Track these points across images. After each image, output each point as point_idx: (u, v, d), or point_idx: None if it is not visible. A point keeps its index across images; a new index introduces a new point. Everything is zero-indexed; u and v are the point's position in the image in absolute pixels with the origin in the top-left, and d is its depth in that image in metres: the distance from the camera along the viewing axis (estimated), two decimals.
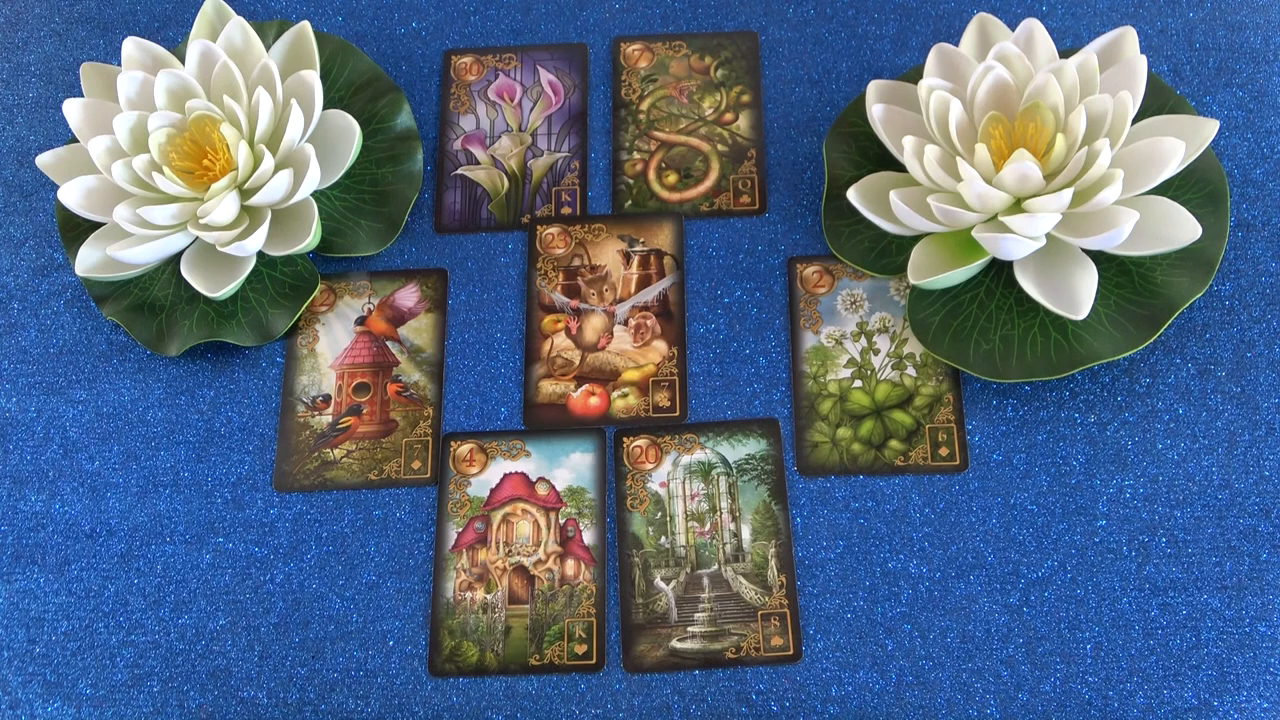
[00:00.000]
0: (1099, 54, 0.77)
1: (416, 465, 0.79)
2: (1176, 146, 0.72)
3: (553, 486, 0.78)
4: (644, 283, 0.83)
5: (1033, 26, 0.78)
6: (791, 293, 0.82)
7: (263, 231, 0.78)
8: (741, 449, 0.78)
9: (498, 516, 0.78)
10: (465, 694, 0.74)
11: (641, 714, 0.73)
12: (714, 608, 0.74)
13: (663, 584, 0.75)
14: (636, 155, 0.87)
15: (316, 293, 0.83)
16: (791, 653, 0.73)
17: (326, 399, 0.82)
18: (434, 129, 0.89)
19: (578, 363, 0.81)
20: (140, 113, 0.80)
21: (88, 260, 0.81)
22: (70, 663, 0.76)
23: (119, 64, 0.85)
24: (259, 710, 0.74)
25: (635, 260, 0.84)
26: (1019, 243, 0.73)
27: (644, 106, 0.89)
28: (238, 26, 0.82)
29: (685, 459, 0.78)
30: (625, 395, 0.80)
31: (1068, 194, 0.73)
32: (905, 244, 0.80)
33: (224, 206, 0.78)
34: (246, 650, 0.76)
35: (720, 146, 0.87)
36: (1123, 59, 0.77)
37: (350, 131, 0.82)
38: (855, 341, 0.80)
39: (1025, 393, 0.78)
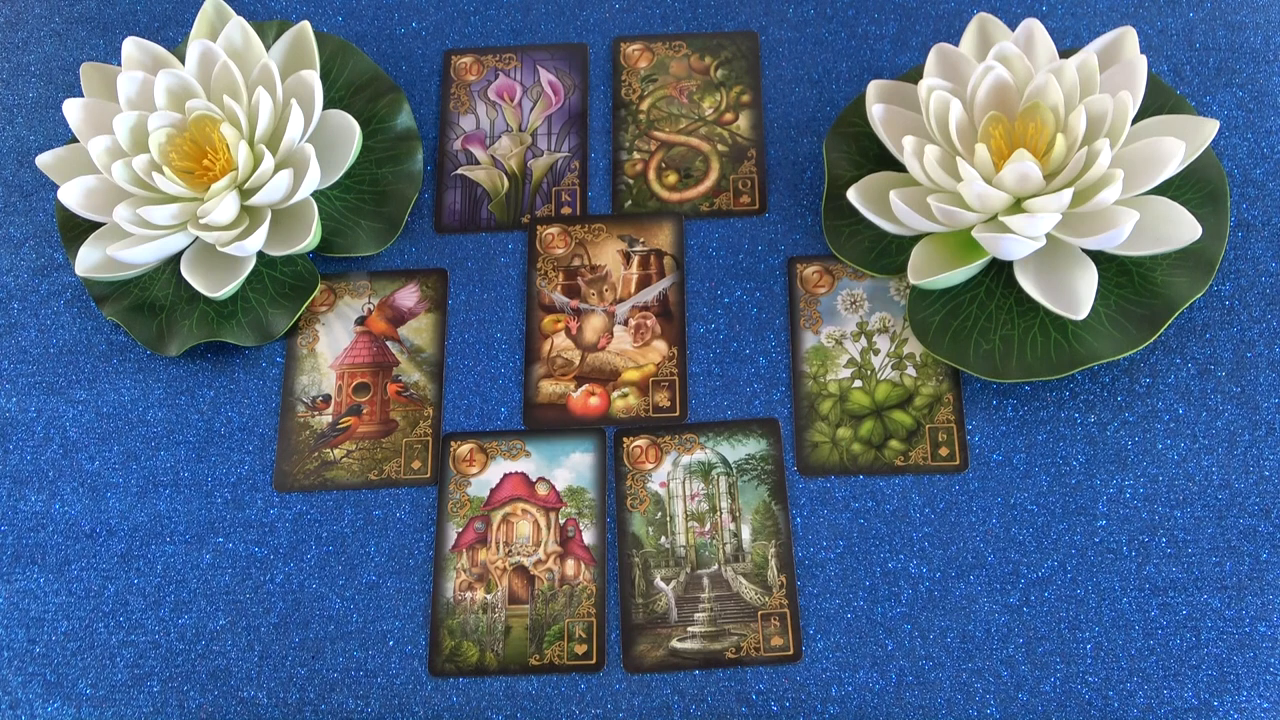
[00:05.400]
0: (1099, 54, 0.77)
1: (416, 465, 0.79)
2: (1176, 146, 0.72)
3: (553, 486, 0.78)
4: (644, 283, 0.83)
5: (1033, 26, 0.78)
6: (791, 293, 0.82)
7: (263, 231, 0.78)
8: (741, 449, 0.78)
9: (498, 516, 0.78)
10: (465, 694, 0.74)
11: (641, 714, 0.73)
12: (714, 608, 0.74)
13: (663, 584, 0.75)
14: (636, 155, 0.87)
15: (316, 293, 0.83)
16: (791, 653, 0.73)
17: (326, 399, 0.82)
18: (434, 129, 0.89)
19: (578, 363, 0.81)
20: (140, 113, 0.80)
21: (88, 260, 0.81)
22: (70, 663, 0.76)
23: (119, 64, 0.85)
24: (259, 710, 0.74)
25: (635, 260, 0.84)
26: (1019, 243, 0.73)
27: (644, 106, 0.89)
28: (238, 26, 0.82)
29: (685, 459, 0.78)
30: (625, 395, 0.80)
31: (1068, 194, 0.73)
32: (905, 244, 0.80)
33: (224, 206, 0.78)
34: (246, 650, 0.76)
35: (720, 146, 0.87)
36: (1123, 59, 0.77)
37: (350, 131, 0.82)
38: (855, 341, 0.80)
39: (1025, 393, 0.78)
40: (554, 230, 0.85)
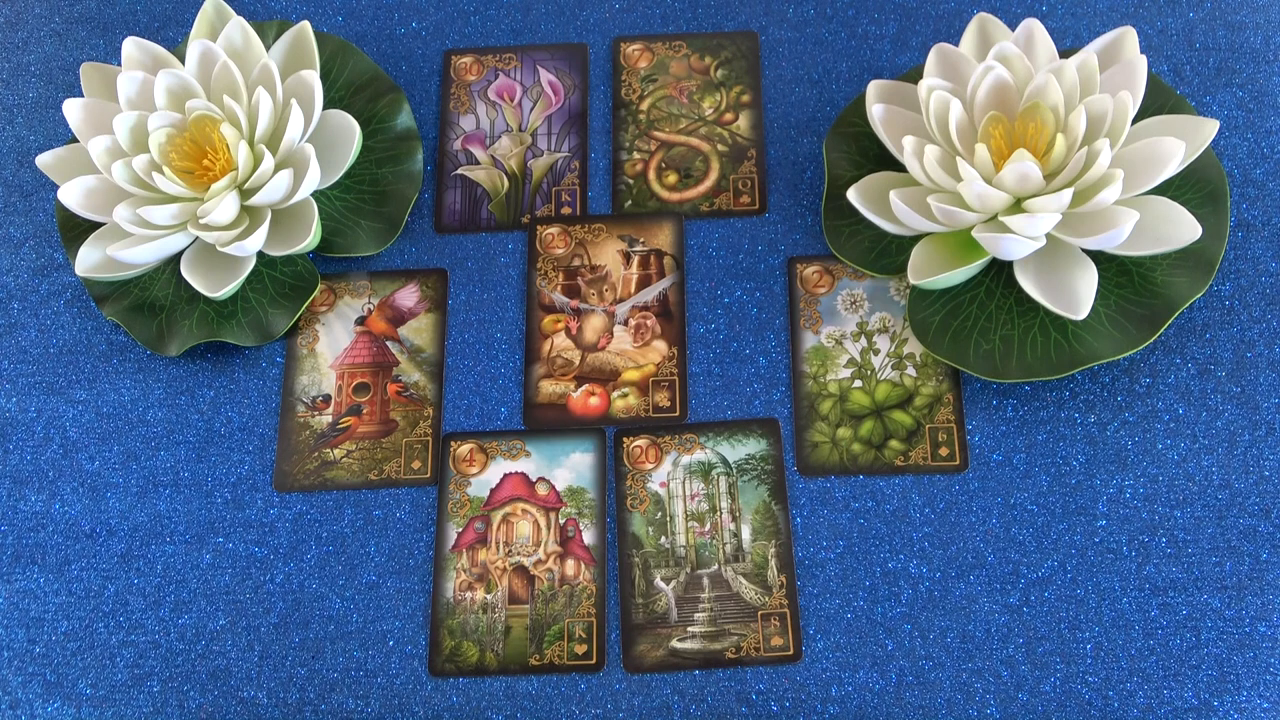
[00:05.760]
0: (1099, 54, 0.77)
1: (416, 465, 0.79)
2: (1176, 146, 0.72)
3: (553, 486, 0.78)
4: (644, 283, 0.83)
5: (1033, 26, 0.78)
6: (791, 293, 0.82)
7: (263, 231, 0.78)
8: (741, 449, 0.78)
9: (498, 516, 0.78)
10: (465, 694, 0.74)
11: (641, 714, 0.73)
12: (714, 608, 0.74)
13: (663, 584, 0.75)
14: (636, 155, 0.87)
15: (316, 293, 0.83)
16: (791, 653, 0.73)
17: (326, 399, 0.82)
18: (434, 129, 0.89)
19: (578, 363, 0.81)
20: (140, 113, 0.80)
21: (88, 260, 0.81)
22: (70, 663, 0.76)
23: (119, 64, 0.85)
24: (259, 710, 0.74)
25: (635, 260, 0.84)
26: (1019, 243, 0.73)
27: (644, 106, 0.89)
28: (238, 26, 0.82)
29: (685, 459, 0.78)
30: (625, 395, 0.80)
31: (1068, 194, 0.73)
32: (905, 244, 0.80)
33: (224, 206, 0.78)
34: (246, 650, 0.76)
35: (720, 146, 0.87)
36: (1123, 59, 0.77)
37: (350, 131, 0.82)
38: (855, 341, 0.80)
39: (1025, 393, 0.78)
40: (554, 230, 0.85)
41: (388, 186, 0.85)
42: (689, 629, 0.74)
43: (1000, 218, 0.75)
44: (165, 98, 0.80)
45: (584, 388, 0.81)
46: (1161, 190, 0.77)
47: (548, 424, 0.80)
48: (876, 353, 0.80)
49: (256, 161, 0.80)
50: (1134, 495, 0.75)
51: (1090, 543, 0.74)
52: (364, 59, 0.88)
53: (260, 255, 0.82)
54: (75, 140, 0.86)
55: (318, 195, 0.85)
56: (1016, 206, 0.76)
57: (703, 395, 0.80)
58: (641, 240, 0.84)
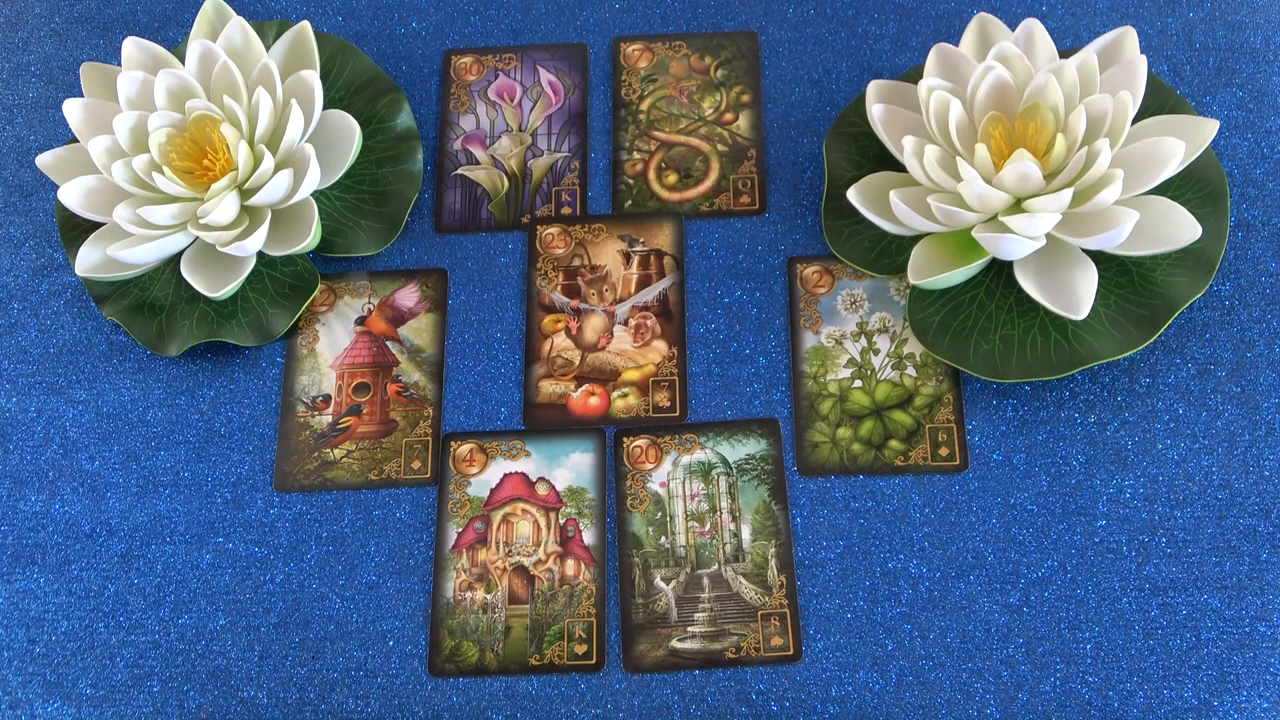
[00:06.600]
0: (1099, 54, 0.77)
1: (416, 465, 0.79)
2: (1176, 146, 0.72)
3: (553, 486, 0.78)
4: (644, 283, 0.83)
5: (1033, 26, 0.78)
6: (791, 293, 0.82)
7: (263, 231, 0.78)
8: (741, 449, 0.78)
9: (498, 516, 0.78)
10: (465, 694, 0.74)
11: (641, 714, 0.73)
12: (714, 608, 0.74)
13: (663, 584, 0.75)
14: (636, 155, 0.87)
15: (316, 293, 0.83)
16: (791, 653, 0.73)
17: (326, 399, 0.82)
18: (434, 129, 0.89)
19: (578, 363, 0.81)
20: (140, 113, 0.80)
21: (88, 260, 0.81)
22: (70, 663, 0.76)
23: (119, 64, 0.85)
24: (259, 710, 0.74)
25: (635, 260, 0.84)
26: (1019, 243, 0.73)
27: (644, 106, 0.89)
28: (238, 26, 0.82)
29: (685, 459, 0.78)
30: (625, 395, 0.80)
31: (1068, 194, 0.73)
32: (905, 244, 0.80)
33: (224, 206, 0.78)
34: (246, 650, 0.76)
35: (720, 146, 0.87)
36: (1123, 59, 0.77)
37: (350, 131, 0.82)
38: (855, 341, 0.80)
39: (1025, 393, 0.78)
40: (554, 230, 0.85)
41: (388, 186, 0.85)
42: (689, 629, 0.74)
43: (1000, 218, 0.75)
44: (165, 98, 0.80)
45: (584, 388, 0.81)
46: (1161, 190, 0.77)
47: (548, 424, 0.80)
48: (876, 353, 0.80)
49: (256, 161, 0.80)
50: (1134, 495, 0.75)
51: (1090, 543, 0.74)
52: (364, 59, 0.88)
53: (260, 255, 0.82)
54: (75, 140, 0.86)
55: (318, 195, 0.85)
56: (1016, 206, 0.76)
57: (703, 395, 0.80)
58: (641, 240, 0.84)
